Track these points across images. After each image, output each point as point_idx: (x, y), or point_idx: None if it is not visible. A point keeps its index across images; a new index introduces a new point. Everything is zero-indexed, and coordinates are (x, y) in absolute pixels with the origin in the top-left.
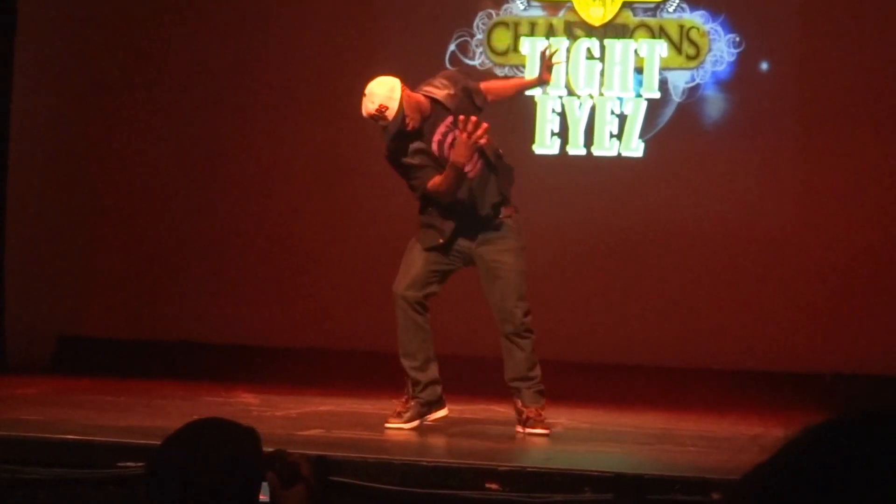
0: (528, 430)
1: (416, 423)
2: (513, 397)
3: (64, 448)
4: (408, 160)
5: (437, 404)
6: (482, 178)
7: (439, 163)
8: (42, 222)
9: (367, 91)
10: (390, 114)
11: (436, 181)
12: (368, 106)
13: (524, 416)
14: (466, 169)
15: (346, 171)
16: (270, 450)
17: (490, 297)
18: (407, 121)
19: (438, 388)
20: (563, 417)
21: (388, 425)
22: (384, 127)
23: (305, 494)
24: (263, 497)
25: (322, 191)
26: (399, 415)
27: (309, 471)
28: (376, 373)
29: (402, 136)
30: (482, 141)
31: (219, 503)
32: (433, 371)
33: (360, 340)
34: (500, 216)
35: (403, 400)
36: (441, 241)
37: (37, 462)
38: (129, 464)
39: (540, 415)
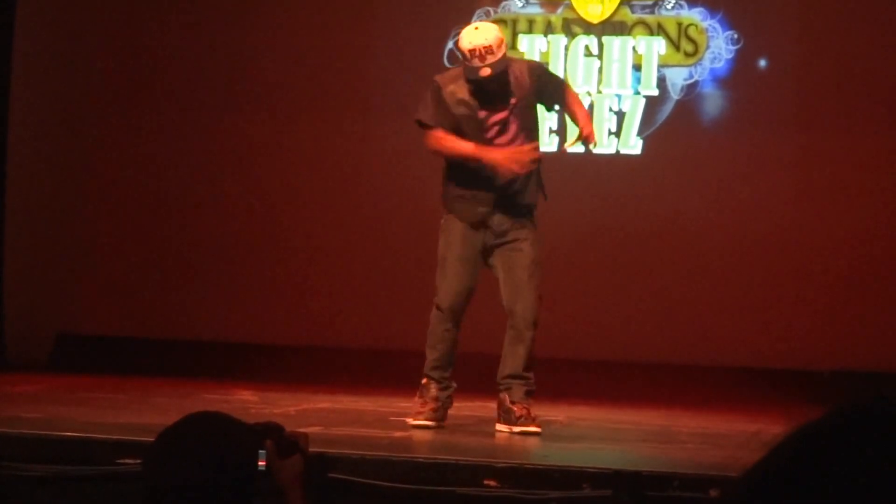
0: (521, 429)
1: (434, 423)
2: (499, 394)
3: (63, 445)
4: (461, 110)
5: (440, 411)
6: (527, 176)
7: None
8: (41, 220)
9: (478, 26)
10: (495, 56)
11: (444, 135)
12: (482, 38)
13: (516, 415)
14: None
15: (346, 171)
16: (266, 421)
17: (504, 286)
18: (509, 71)
19: (444, 406)
20: (561, 414)
21: (411, 422)
22: (474, 67)
23: (301, 465)
24: (262, 463)
25: (320, 189)
26: (419, 414)
27: (307, 444)
28: (375, 370)
29: (479, 84)
30: (521, 170)
31: (214, 499)
32: (451, 390)
33: (359, 338)
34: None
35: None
36: (484, 209)
37: (36, 459)
38: (127, 461)
39: (530, 412)
